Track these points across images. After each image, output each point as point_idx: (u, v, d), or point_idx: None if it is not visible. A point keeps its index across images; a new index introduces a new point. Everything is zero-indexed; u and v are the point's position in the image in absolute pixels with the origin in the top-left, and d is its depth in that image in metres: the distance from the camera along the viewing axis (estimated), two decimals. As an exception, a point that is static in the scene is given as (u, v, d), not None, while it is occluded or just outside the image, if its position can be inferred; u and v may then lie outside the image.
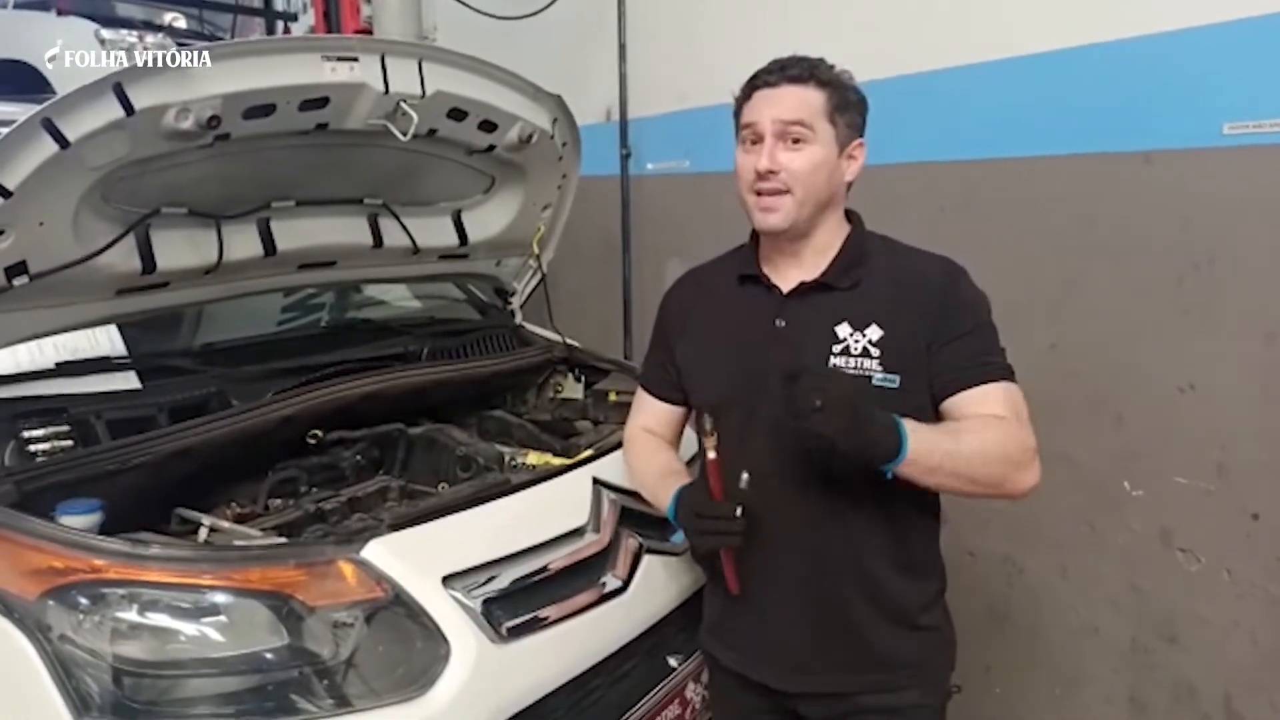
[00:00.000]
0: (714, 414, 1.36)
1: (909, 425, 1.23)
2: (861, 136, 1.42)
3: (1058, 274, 2.10)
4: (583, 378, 2.52)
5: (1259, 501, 1.83)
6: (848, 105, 1.38)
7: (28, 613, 1.29)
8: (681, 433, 1.69)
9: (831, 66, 1.40)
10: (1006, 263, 2.08)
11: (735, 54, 2.86)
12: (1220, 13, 1.77)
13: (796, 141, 1.35)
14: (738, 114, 1.44)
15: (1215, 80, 1.79)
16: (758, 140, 1.37)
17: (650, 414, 1.67)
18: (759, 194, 1.37)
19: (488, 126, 2.10)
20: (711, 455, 1.33)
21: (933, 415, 1.37)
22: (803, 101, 1.35)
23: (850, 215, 1.48)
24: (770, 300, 1.43)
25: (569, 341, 2.57)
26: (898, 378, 1.33)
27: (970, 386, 1.34)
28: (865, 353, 1.35)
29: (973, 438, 1.28)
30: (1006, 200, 2.18)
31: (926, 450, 1.23)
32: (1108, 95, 1.96)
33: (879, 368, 1.34)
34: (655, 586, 1.74)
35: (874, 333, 1.35)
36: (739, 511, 1.32)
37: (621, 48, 3.33)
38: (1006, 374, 1.36)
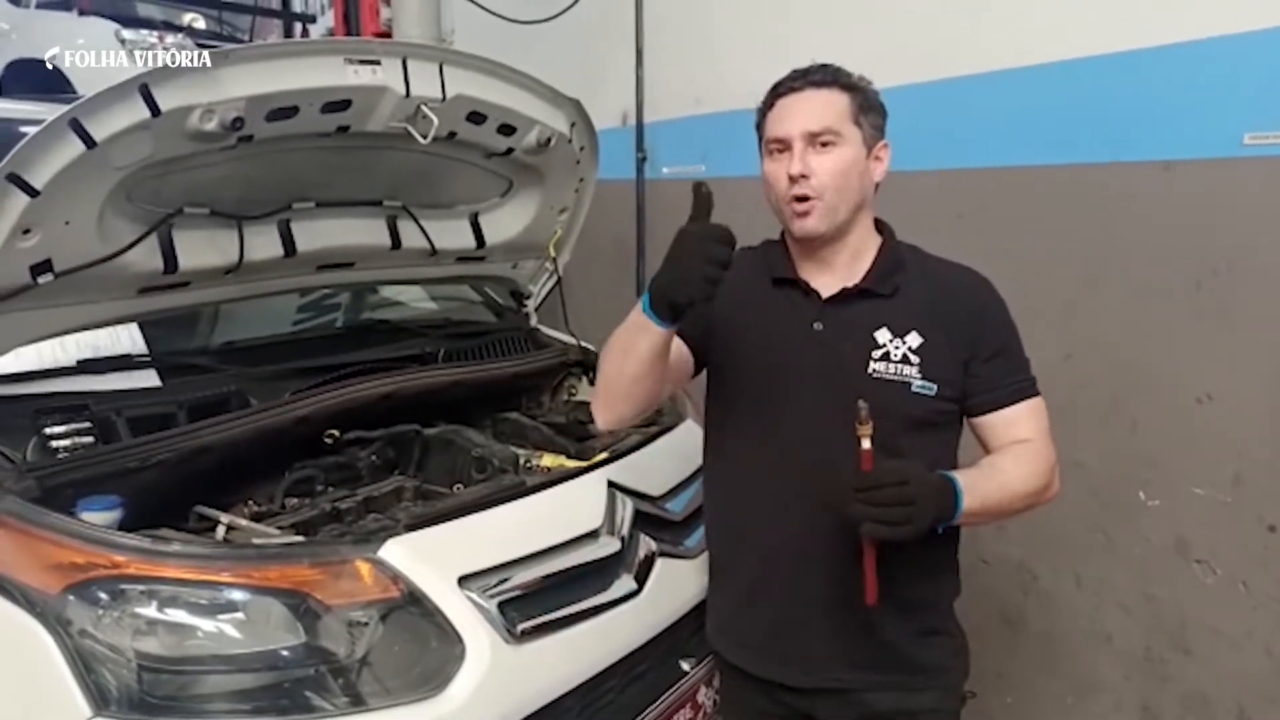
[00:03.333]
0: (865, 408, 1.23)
1: (961, 483, 1.25)
2: (884, 138, 1.42)
3: (1075, 282, 2.09)
4: (597, 381, 2.52)
5: (1276, 513, 1.82)
6: (870, 107, 1.39)
7: (49, 607, 1.30)
8: (671, 378, 1.46)
9: (850, 73, 1.41)
10: (1024, 270, 2.07)
11: (751, 59, 2.86)
12: (1242, 23, 1.76)
13: (825, 145, 1.35)
14: (760, 125, 1.44)
15: (1236, 90, 1.79)
16: (785, 148, 1.37)
17: None
18: (794, 200, 1.36)
19: (507, 130, 2.11)
20: (866, 445, 1.23)
21: (959, 423, 1.42)
22: (828, 106, 1.36)
23: (880, 225, 1.48)
24: (809, 304, 1.43)
25: (584, 344, 2.58)
26: (935, 386, 1.35)
27: (1002, 407, 1.38)
28: (905, 359, 1.36)
29: (1012, 478, 1.33)
30: (1024, 208, 2.18)
31: (979, 505, 1.27)
32: (1128, 104, 1.96)
33: (918, 374, 1.35)
34: (669, 590, 1.74)
35: (914, 340, 1.36)
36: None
37: (638, 52, 3.34)
38: (1033, 389, 1.40)
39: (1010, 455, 1.36)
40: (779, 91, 1.40)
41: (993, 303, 1.42)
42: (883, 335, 1.37)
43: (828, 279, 1.43)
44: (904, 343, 1.36)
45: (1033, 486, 1.34)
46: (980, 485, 1.29)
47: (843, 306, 1.40)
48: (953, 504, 1.23)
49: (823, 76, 1.37)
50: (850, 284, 1.41)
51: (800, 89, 1.37)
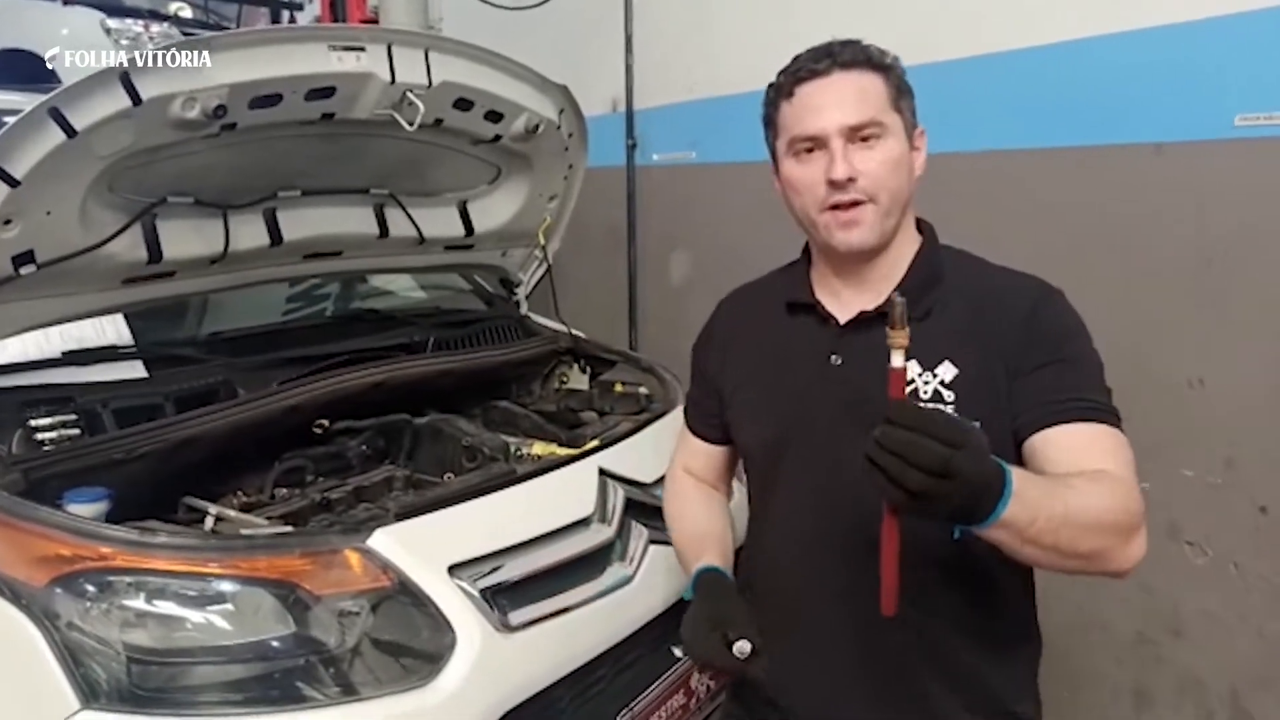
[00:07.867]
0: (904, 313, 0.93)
1: (1017, 478, 0.90)
2: (918, 122, 1.21)
3: (1067, 265, 2.06)
4: (588, 369, 2.52)
5: (1268, 495, 1.82)
6: (907, 88, 1.18)
7: (35, 600, 1.29)
8: (728, 474, 1.49)
9: (880, 49, 1.17)
10: (1014, 254, 2.04)
11: (742, 45, 2.84)
12: (1233, 4, 1.75)
13: (867, 140, 1.12)
14: (772, 119, 1.20)
15: (1228, 71, 1.78)
16: (818, 147, 1.13)
17: (690, 452, 1.48)
18: (836, 208, 1.13)
19: (494, 117, 2.09)
20: (898, 362, 0.92)
21: (1014, 458, 1.08)
22: (864, 92, 1.12)
23: (921, 225, 1.25)
24: (825, 333, 1.21)
25: (574, 332, 2.57)
26: (977, 421, 1.06)
27: (1055, 424, 1.07)
28: (937, 396, 1.12)
29: (1090, 500, 0.97)
30: (1016, 191, 2.17)
31: (1027, 519, 0.91)
32: (1119, 86, 1.95)
33: (954, 413, 1.09)
34: (661, 577, 1.73)
35: (947, 372, 1.12)
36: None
37: (628, 38, 3.32)
38: (1108, 417, 1.09)
39: (1085, 476, 1.01)
40: (799, 76, 1.14)
41: (1046, 311, 1.15)
42: (910, 369, 1.10)
43: (854, 300, 1.20)
44: (934, 376, 1.12)
45: (1112, 520, 0.98)
46: (1040, 494, 0.93)
47: (862, 334, 1.17)
48: (996, 497, 0.88)
49: (852, 56, 1.13)
50: (870, 307, 1.17)
51: (827, 72, 1.13)
